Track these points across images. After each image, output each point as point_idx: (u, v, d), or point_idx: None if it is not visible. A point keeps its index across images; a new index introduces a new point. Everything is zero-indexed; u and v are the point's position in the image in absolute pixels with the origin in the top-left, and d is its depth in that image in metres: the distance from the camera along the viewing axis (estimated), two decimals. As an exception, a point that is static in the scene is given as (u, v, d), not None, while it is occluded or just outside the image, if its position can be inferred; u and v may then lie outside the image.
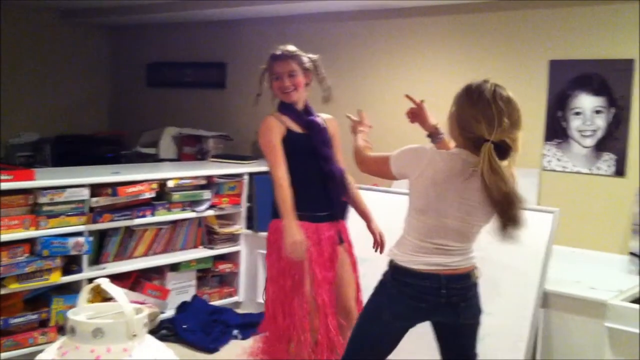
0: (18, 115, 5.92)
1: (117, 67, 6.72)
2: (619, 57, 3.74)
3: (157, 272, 4.33)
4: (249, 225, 4.69)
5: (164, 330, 4.12)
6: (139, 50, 6.50)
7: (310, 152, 3.02)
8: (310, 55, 3.09)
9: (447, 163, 2.31)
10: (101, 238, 4.05)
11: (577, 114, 3.90)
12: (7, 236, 3.47)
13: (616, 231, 3.77)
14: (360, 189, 3.82)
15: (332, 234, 3.05)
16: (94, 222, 3.85)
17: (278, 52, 3.03)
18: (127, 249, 4.17)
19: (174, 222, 4.40)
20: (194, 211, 4.40)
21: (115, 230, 4.06)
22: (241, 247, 4.69)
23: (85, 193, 3.79)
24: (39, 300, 3.75)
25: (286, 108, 3.05)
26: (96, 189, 3.87)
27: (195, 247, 4.54)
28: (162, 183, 4.21)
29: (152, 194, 4.10)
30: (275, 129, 2.97)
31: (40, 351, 2.53)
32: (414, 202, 2.40)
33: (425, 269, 2.36)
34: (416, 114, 2.75)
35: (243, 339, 4.17)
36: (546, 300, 3.33)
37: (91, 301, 2.67)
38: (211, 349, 4.00)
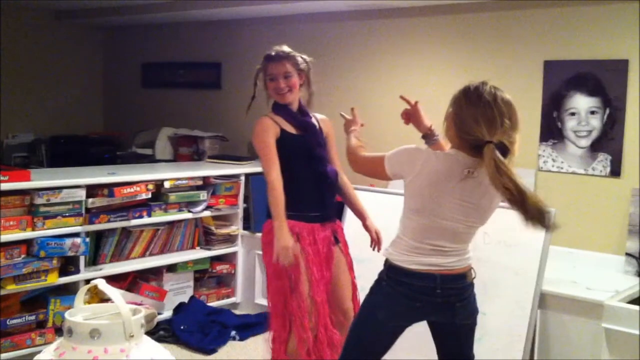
0: (13, 116, 5.90)
1: (112, 67, 6.71)
2: (614, 58, 3.76)
3: (154, 273, 4.33)
4: (246, 226, 4.69)
5: (161, 332, 4.13)
6: (134, 51, 6.49)
7: (304, 153, 3.02)
8: (305, 56, 3.09)
9: (443, 164, 2.32)
10: (98, 239, 4.04)
11: (572, 114, 3.91)
12: (3, 237, 3.47)
13: (612, 232, 3.78)
14: (357, 189, 3.83)
15: (327, 234, 3.07)
16: (91, 222, 3.85)
17: (273, 53, 3.04)
18: (124, 250, 4.17)
19: (171, 223, 4.40)
20: (190, 212, 4.40)
21: (111, 231, 4.06)
22: (238, 248, 4.69)
23: (81, 194, 3.78)
24: (36, 301, 3.75)
25: (280, 109, 3.05)
26: (92, 190, 3.87)
27: (192, 248, 4.54)
28: (158, 184, 4.21)
29: (149, 195, 4.10)
30: (269, 130, 2.98)
31: (38, 352, 2.53)
32: (409, 202, 2.41)
33: (421, 268, 2.37)
34: (411, 115, 2.76)
35: (241, 340, 4.18)
36: (543, 300, 3.34)
37: (89, 302, 2.68)
38: (209, 350, 4.00)
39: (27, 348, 3.59)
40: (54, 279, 3.67)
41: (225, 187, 4.58)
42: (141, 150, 5.62)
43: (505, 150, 2.24)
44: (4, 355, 3.50)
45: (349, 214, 3.53)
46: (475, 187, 2.31)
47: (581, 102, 3.87)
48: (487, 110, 2.24)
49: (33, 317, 3.65)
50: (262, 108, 3.12)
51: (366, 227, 3.18)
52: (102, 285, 2.52)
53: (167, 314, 4.29)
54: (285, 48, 3.06)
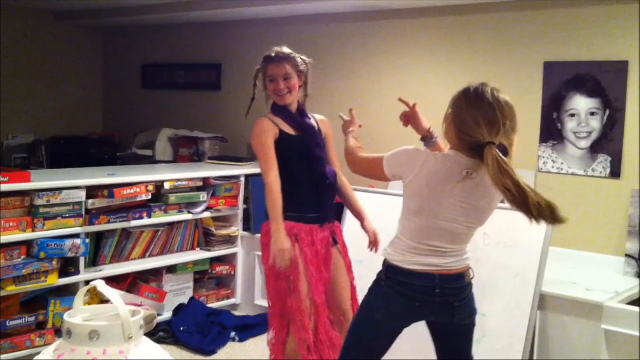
0: (13, 117, 5.91)
1: (112, 68, 6.71)
2: (614, 59, 3.76)
3: (154, 274, 4.33)
4: (246, 227, 4.69)
5: (161, 333, 4.13)
6: (134, 52, 6.50)
7: (303, 154, 3.02)
8: (304, 57, 3.09)
9: (442, 165, 2.32)
10: (98, 240, 4.04)
11: (572, 115, 3.91)
12: (3, 238, 3.47)
13: (612, 233, 3.78)
14: (357, 190, 3.83)
15: (326, 235, 3.06)
16: (91, 224, 3.85)
17: (273, 54, 3.03)
18: (124, 251, 4.17)
19: (171, 224, 4.40)
20: (190, 213, 4.40)
21: (111, 232, 4.06)
22: (238, 249, 4.69)
23: (81, 195, 3.78)
24: (36, 302, 3.75)
25: (280, 110, 3.05)
26: (92, 191, 3.87)
27: (192, 249, 4.54)
28: (158, 185, 4.21)
29: (149, 196, 4.10)
30: (268, 131, 2.98)
31: (38, 353, 2.53)
32: (408, 203, 2.41)
33: (420, 268, 2.37)
34: (410, 118, 2.77)
35: (241, 341, 4.18)
36: (543, 301, 3.34)
37: (89, 303, 2.68)
38: (208, 351, 3.99)
39: (27, 349, 3.59)
40: (54, 280, 3.67)
41: (226, 188, 4.58)
42: (141, 152, 5.63)
43: (504, 152, 2.24)
44: (4, 356, 3.50)
45: (349, 215, 3.52)
46: (474, 188, 2.31)
47: (581, 104, 3.87)
48: (488, 112, 2.24)
49: (33, 318, 3.65)
50: (261, 109, 3.12)
51: (364, 228, 3.18)
52: (101, 286, 2.52)
53: (167, 315, 4.29)
54: (285, 49, 3.06)
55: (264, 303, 4.31)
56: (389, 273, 2.43)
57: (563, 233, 3.73)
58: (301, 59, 3.07)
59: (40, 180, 3.70)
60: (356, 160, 2.63)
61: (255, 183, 4.58)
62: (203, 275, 4.61)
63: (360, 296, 2.88)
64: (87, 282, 3.11)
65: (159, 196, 4.25)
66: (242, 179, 4.65)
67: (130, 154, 5.67)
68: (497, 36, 4.23)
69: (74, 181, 3.80)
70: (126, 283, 4.13)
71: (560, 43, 3.97)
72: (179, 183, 4.32)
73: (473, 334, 2.55)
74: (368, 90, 4.84)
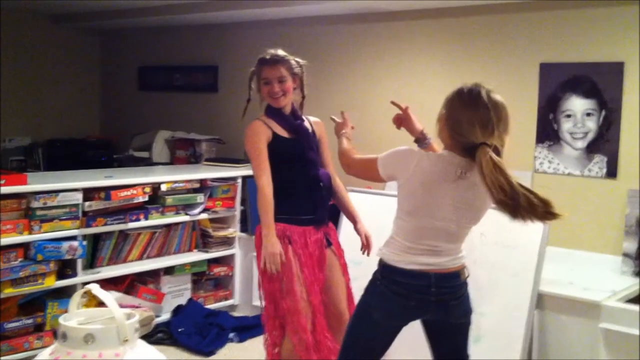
0: (9, 119, 5.91)
1: (109, 70, 6.71)
2: (609, 60, 3.77)
3: (152, 276, 4.33)
4: (244, 228, 4.69)
5: (160, 334, 4.13)
6: (131, 54, 6.50)
7: (296, 157, 3.02)
8: (299, 60, 3.10)
9: (435, 165, 2.33)
10: (95, 242, 4.04)
11: (568, 116, 3.92)
12: (1, 240, 3.46)
13: (608, 232, 3.79)
14: (354, 191, 3.84)
15: (319, 237, 3.06)
16: (88, 226, 3.85)
17: (267, 57, 3.03)
18: (121, 253, 4.17)
19: (168, 226, 4.40)
20: (187, 215, 4.40)
21: (109, 234, 4.06)
22: (236, 250, 4.69)
23: (78, 197, 3.79)
24: (33, 304, 3.75)
25: (273, 112, 3.05)
26: (89, 193, 3.87)
27: (190, 250, 4.54)
28: (155, 187, 4.21)
29: (146, 198, 4.10)
30: (260, 134, 2.98)
31: (36, 355, 2.54)
32: (403, 204, 2.41)
33: (415, 268, 2.37)
34: (402, 120, 2.78)
35: (239, 341, 4.18)
36: (540, 301, 3.35)
37: (87, 305, 2.68)
38: (207, 352, 4.00)
39: (25, 351, 3.59)
40: (52, 282, 3.67)
41: (222, 190, 4.59)
42: (138, 153, 5.63)
43: (495, 152, 2.23)
44: (3, 358, 3.49)
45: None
46: (468, 188, 2.32)
47: (577, 104, 3.88)
48: (481, 113, 2.24)
49: (31, 321, 3.65)
50: (257, 111, 3.12)
51: (357, 230, 3.17)
52: (95, 289, 2.53)
53: (165, 316, 4.30)
54: (280, 52, 3.06)
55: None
56: (385, 273, 2.43)
57: (560, 233, 3.75)
58: (295, 61, 3.07)
59: (36, 182, 3.70)
60: (350, 162, 2.64)
61: (252, 184, 4.57)
62: (201, 277, 4.61)
63: (358, 296, 2.88)
64: (85, 284, 3.11)
65: (156, 198, 4.25)
66: (239, 180, 4.66)
67: (127, 156, 5.66)
68: (494, 38, 4.23)
69: (71, 183, 3.80)
70: (124, 285, 4.13)
71: (556, 44, 3.98)
72: (176, 185, 4.31)
73: (469, 333, 2.55)
74: (365, 92, 4.84)
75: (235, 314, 4.65)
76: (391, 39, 4.72)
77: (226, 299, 4.70)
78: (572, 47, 3.92)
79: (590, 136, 3.85)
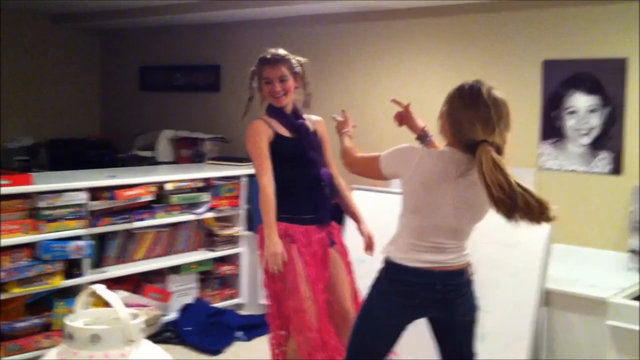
0: (11, 120, 5.92)
1: (110, 70, 6.71)
2: (612, 57, 3.76)
3: (159, 275, 4.34)
4: (249, 227, 4.70)
5: (167, 333, 4.14)
6: (132, 54, 6.50)
7: (297, 156, 3.03)
8: (300, 58, 3.10)
9: (438, 162, 2.33)
10: (101, 241, 4.05)
11: (572, 113, 3.92)
12: (7, 241, 3.48)
13: (613, 229, 3.79)
14: (359, 189, 3.84)
15: (322, 236, 3.07)
16: (93, 225, 3.86)
17: (268, 56, 3.03)
18: (127, 252, 4.18)
19: (174, 225, 4.41)
20: (192, 214, 4.41)
21: (114, 233, 4.07)
22: (241, 249, 4.70)
23: (83, 197, 3.80)
24: (40, 304, 3.76)
25: (275, 111, 3.06)
26: (94, 193, 3.88)
27: (196, 249, 4.55)
28: (160, 186, 4.22)
29: (151, 197, 4.11)
30: (262, 134, 2.99)
31: (43, 355, 2.56)
32: (407, 201, 2.42)
33: (420, 265, 2.38)
34: (403, 118, 2.78)
35: (247, 340, 4.19)
36: (546, 298, 3.35)
37: (94, 304, 2.69)
38: (214, 350, 4.01)
39: (33, 351, 3.60)
40: (59, 282, 3.69)
41: (227, 189, 4.60)
42: (142, 153, 5.63)
43: (496, 150, 2.23)
44: (11, 358, 3.51)
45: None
46: (468, 187, 2.31)
47: (580, 101, 3.88)
48: (482, 111, 2.25)
49: (38, 320, 3.66)
50: (258, 110, 3.13)
51: (360, 230, 3.18)
52: (101, 290, 2.54)
53: (172, 315, 4.31)
54: (281, 51, 3.06)
55: (267, 302, 4.32)
56: (389, 271, 2.44)
57: (565, 230, 3.75)
58: (296, 60, 3.07)
59: (41, 182, 3.72)
60: (352, 160, 2.64)
61: (256, 183, 4.57)
62: (207, 275, 4.62)
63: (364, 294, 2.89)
64: (91, 284, 3.12)
65: (161, 197, 4.26)
66: (244, 179, 4.67)
67: (131, 156, 5.67)
68: (496, 35, 4.23)
69: (76, 183, 3.81)
70: (131, 284, 4.14)
71: (559, 41, 3.98)
72: (181, 184, 4.33)
73: (475, 331, 2.55)
74: (365, 92, 4.84)
75: (243, 312, 4.66)
76: (391, 38, 4.71)
77: (232, 297, 4.71)
78: (574, 45, 3.91)
79: (595, 133, 3.85)
